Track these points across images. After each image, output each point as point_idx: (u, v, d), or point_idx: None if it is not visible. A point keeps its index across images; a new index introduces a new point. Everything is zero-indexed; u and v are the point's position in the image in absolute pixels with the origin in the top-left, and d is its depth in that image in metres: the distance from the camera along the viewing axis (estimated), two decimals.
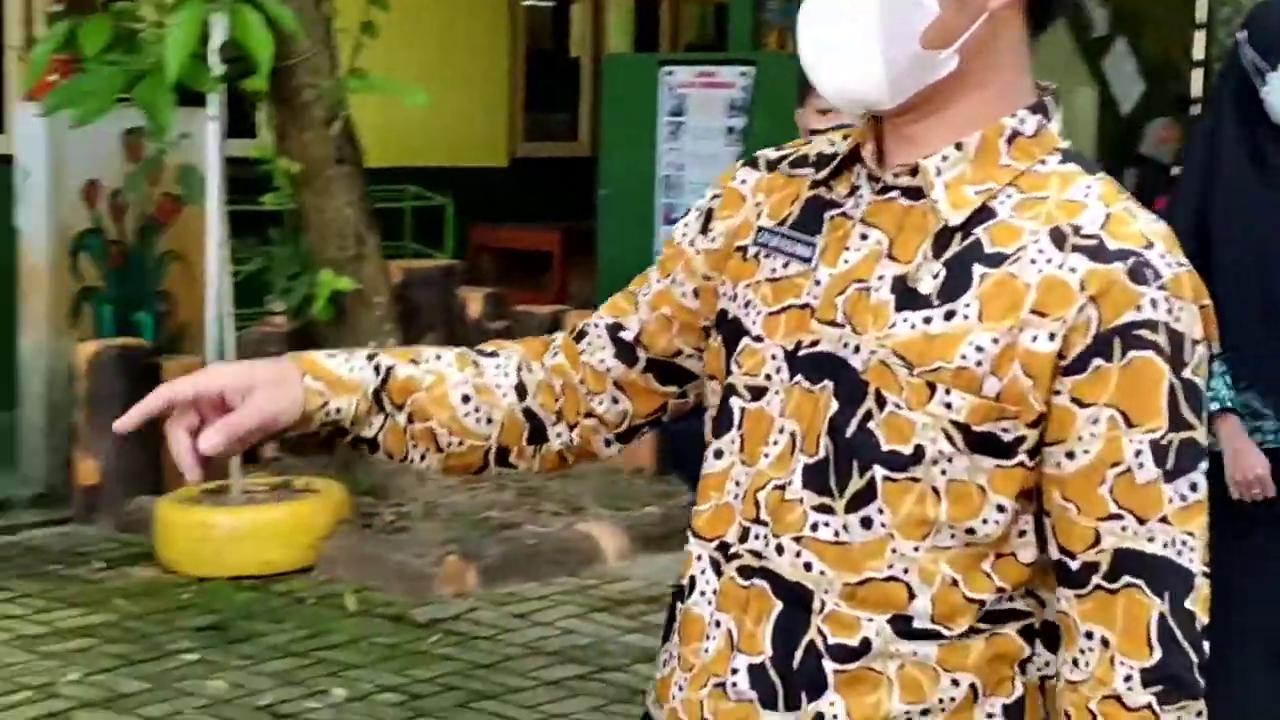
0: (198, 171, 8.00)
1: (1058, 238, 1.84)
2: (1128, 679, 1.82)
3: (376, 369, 2.15)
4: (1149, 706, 1.82)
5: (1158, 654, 1.82)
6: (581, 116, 13.45)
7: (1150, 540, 1.83)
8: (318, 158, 7.44)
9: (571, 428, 2.21)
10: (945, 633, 1.88)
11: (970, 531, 1.87)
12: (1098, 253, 1.82)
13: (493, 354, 2.22)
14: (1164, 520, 1.82)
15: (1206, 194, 4.42)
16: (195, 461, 1.98)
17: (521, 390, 2.18)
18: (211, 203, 7.81)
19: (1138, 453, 1.82)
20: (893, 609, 1.89)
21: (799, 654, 1.92)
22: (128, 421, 2.01)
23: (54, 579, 7.34)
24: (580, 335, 2.19)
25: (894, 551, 1.88)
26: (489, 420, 2.17)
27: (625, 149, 9.60)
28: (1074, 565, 1.86)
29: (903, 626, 1.89)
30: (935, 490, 1.86)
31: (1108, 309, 1.80)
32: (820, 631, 1.90)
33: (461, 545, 7.16)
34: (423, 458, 2.18)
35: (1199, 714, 1.84)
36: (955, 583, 1.88)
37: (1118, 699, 1.83)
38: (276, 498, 7.65)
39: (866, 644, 1.89)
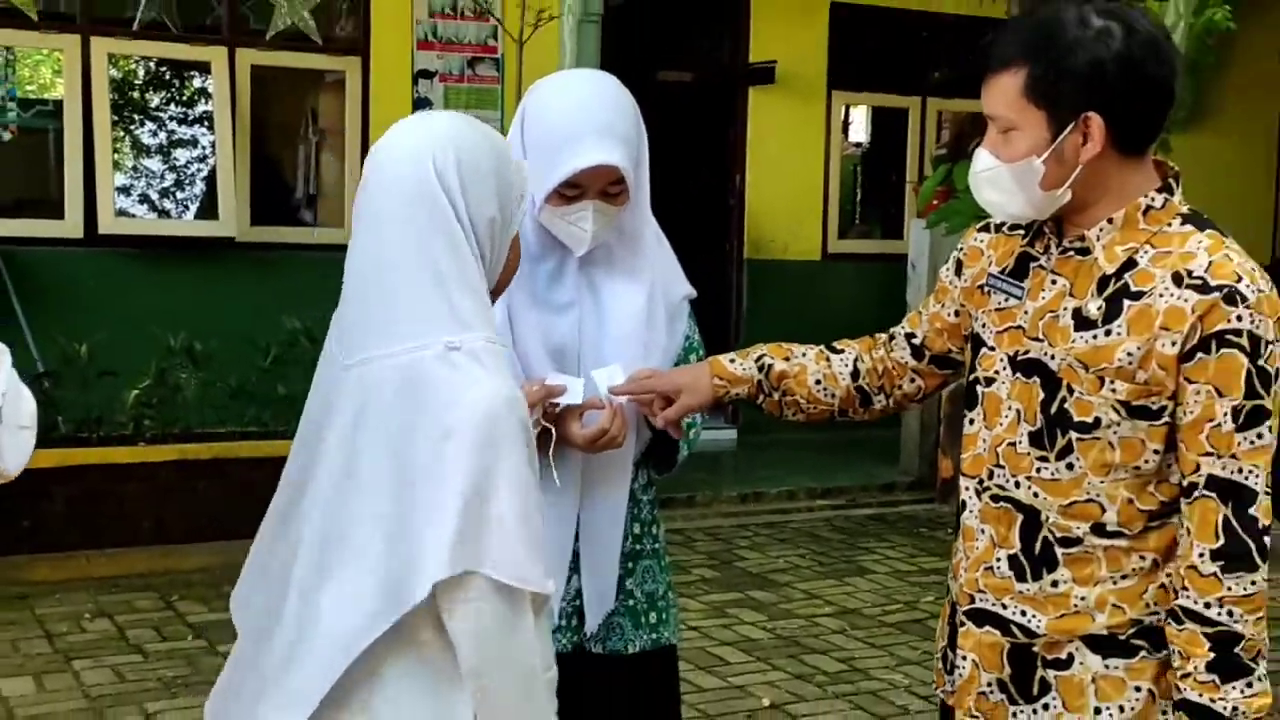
0: None
1: (1177, 279, 1.96)
2: (1200, 555, 1.95)
3: (761, 367, 2.40)
4: (1215, 575, 1.94)
5: (1221, 540, 1.94)
6: None
7: (1224, 468, 1.95)
8: None
9: (888, 396, 2.41)
10: (1128, 533, 2.03)
11: (1137, 469, 2.01)
12: (1203, 288, 1.93)
13: (840, 351, 2.42)
14: (1235, 456, 1.95)
15: None
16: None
17: (856, 374, 2.39)
18: None
19: (1224, 413, 1.94)
20: (1092, 520, 2.04)
21: (1038, 546, 2.08)
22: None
23: (920, 537, 7.71)
24: (893, 338, 2.40)
25: (1088, 484, 2.03)
26: (833, 395, 2.39)
27: None
28: (1184, 484, 1.99)
29: (1100, 529, 2.03)
30: (1110, 444, 2.00)
31: (1208, 323, 1.93)
32: (1052, 531, 2.06)
33: None
34: (792, 415, 2.43)
35: (1253, 581, 1.94)
36: (1131, 501, 2.02)
37: (1194, 568, 1.96)
38: None
39: (1080, 538, 2.05)
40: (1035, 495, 2.08)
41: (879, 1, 10.36)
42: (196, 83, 8.98)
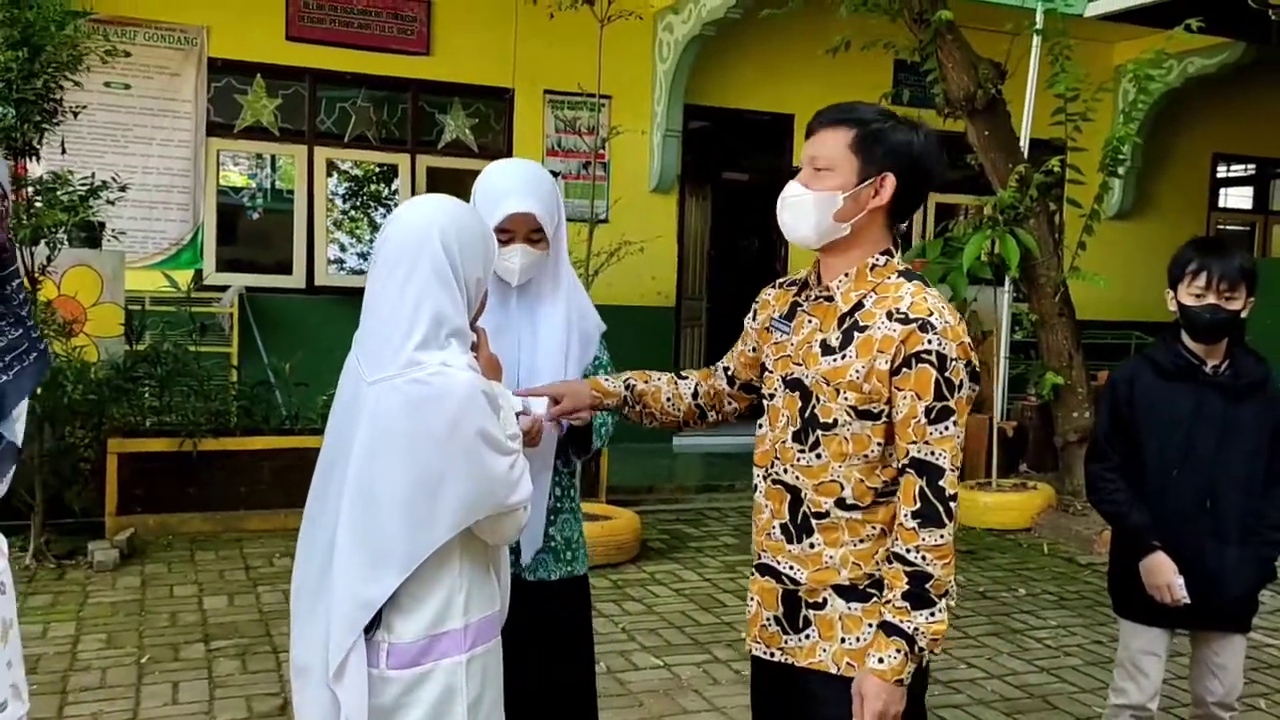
0: (983, 321, 8.20)
1: (889, 315, 1.98)
2: (904, 515, 1.95)
3: (627, 386, 2.38)
4: (913, 529, 1.94)
5: (918, 505, 1.94)
6: None
7: (920, 451, 1.95)
8: (1048, 312, 7.24)
9: (718, 413, 2.38)
10: (860, 505, 2.02)
11: (865, 456, 2.01)
12: (905, 320, 1.96)
13: (685, 377, 2.41)
14: (928, 443, 1.95)
15: None
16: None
17: (695, 395, 2.38)
18: (1002, 334, 7.74)
19: (921, 411, 1.95)
20: (836, 496, 2.04)
21: (800, 516, 2.08)
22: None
23: None
24: (715, 371, 2.39)
25: (831, 468, 2.04)
26: (678, 409, 2.38)
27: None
28: (899, 465, 1.99)
29: (841, 503, 2.03)
30: (845, 438, 2.02)
31: (908, 345, 1.95)
32: (809, 506, 2.07)
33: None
34: (650, 422, 2.41)
35: (942, 535, 1.94)
36: (862, 481, 2.02)
37: (901, 524, 1.96)
38: (1017, 489, 7.50)
39: (828, 512, 2.05)
40: (797, 478, 2.09)
41: None
42: (389, 180, 9.26)
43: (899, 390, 1.97)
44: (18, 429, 1.77)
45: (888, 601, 1.98)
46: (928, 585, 1.95)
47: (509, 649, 2.15)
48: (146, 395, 6.52)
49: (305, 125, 8.77)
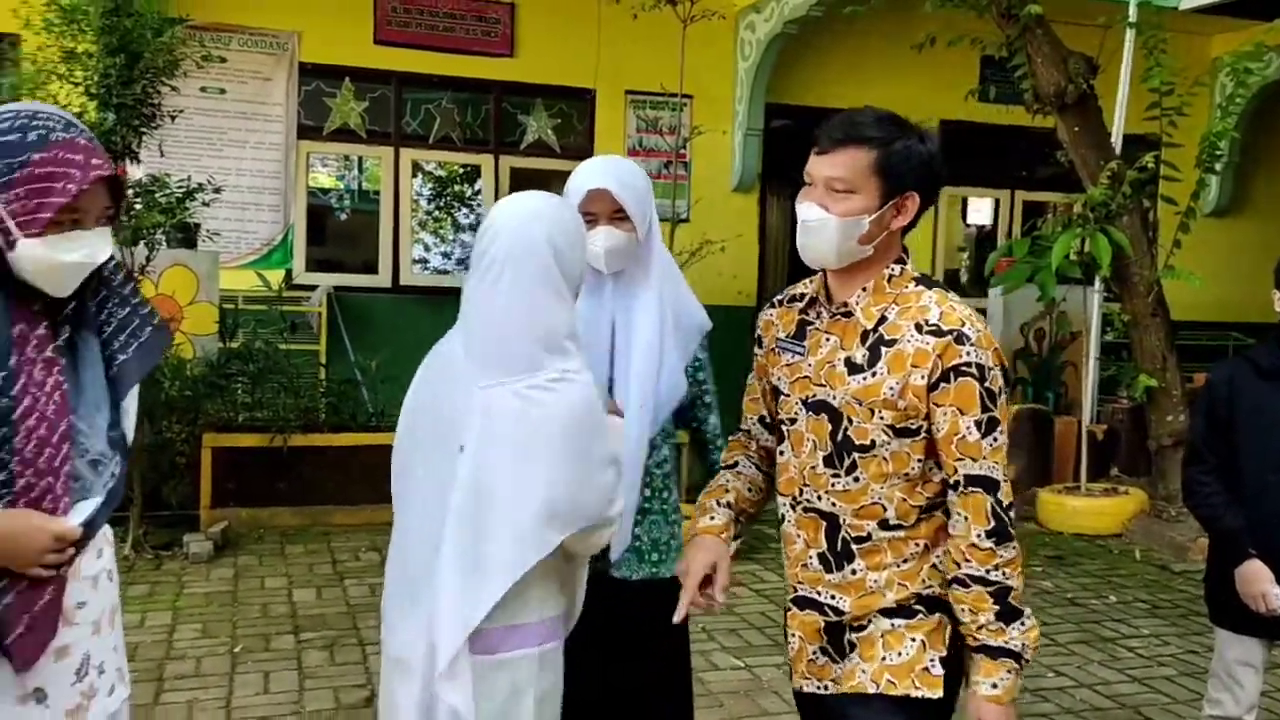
0: (1072, 321, 8.00)
1: (918, 327, 1.93)
2: (978, 535, 1.91)
3: (726, 505, 2.20)
4: (990, 548, 1.91)
5: (992, 523, 1.90)
6: None
7: (980, 468, 1.91)
8: (1141, 312, 7.02)
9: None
10: (904, 524, 1.98)
11: (906, 475, 1.96)
12: (938, 332, 1.91)
13: (736, 463, 2.26)
14: (983, 458, 1.91)
15: None
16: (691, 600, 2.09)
17: (758, 468, 2.26)
18: (1093, 334, 7.58)
19: (967, 426, 1.90)
20: (878, 518, 1.98)
21: (839, 543, 2.02)
22: (689, 596, 2.09)
23: None
24: (749, 432, 2.27)
25: (871, 490, 1.98)
26: (761, 490, 2.25)
27: None
28: (950, 481, 1.94)
29: (884, 524, 1.98)
30: (884, 458, 1.96)
31: (946, 359, 1.90)
32: (848, 531, 2.00)
33: None
34: (750, 521, 2.27)
35: (1014, 546, 1.93)
36: (904, 500, 1.97)
37: (974, 545, 1.92)
38: (1108, 494, 7.31)
39: (870, 535, 1.99)
40: (833, 505, 2.02)
41: (978, 119, 9.99)
42: (472, 180, 9.37)
43: (938, 405, 1.92)
44: (129, 425, 1.82)
45: (980, 626, 1.93)
46: (1010, 599, 1.93)
47: (577, 642, 2.15)
48: (239, 392, 6.70)
49: (391, 127, 8.91)
